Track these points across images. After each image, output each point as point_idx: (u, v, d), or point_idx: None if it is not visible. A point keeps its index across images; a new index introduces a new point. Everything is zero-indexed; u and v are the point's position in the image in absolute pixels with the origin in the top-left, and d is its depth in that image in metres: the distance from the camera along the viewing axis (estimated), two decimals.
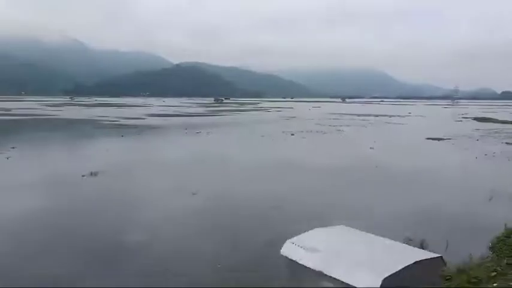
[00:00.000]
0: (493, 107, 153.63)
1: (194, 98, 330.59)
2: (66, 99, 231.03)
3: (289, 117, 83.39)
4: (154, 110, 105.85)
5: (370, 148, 35.34)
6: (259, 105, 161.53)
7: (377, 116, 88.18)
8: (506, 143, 40.40)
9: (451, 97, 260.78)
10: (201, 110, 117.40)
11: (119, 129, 50.80)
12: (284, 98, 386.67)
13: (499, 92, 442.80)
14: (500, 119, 75.68)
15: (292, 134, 45.96)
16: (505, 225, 12.39)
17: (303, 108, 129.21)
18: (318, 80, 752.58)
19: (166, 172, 23.62)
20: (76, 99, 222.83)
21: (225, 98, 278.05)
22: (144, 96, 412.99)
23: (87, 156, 30.11)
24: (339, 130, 53.16)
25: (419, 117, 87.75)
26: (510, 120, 72.90)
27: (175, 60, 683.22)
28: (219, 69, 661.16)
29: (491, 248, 10.72)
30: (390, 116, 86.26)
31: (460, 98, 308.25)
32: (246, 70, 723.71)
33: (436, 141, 42.24)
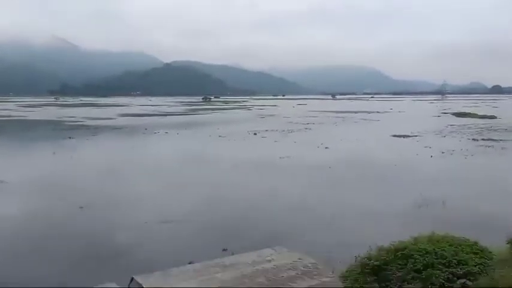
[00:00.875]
0: (480, 101, 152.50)
1: (184, 97, 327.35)
2: (50, 99, 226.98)
3: (267, 115, 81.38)
4: (132, 110, 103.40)
5: (326, 148, 33.43)
6: (245, 104, 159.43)
7: (356, 112, 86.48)
8: (473, 139, 38.71)
9: (442, 92, 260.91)
10: (182, 109, 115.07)
11: (75, 130, 48.68)
12: (275, 95, 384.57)
13: (490, 86, 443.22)
14: (479, 113, 74.14)
15: (255, 134, 43.98)
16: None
17: (287, 106, 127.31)
18: (310, 77, 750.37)
19: (66, 180, 21.56)
20: (61, 100, 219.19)
21: (215, 97, 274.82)
22: (134, 95, 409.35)
23: None
24: (307, 128, 51.26)
25: (399, 113, 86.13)
26: (489, 114, 71.37)
27: (166, 60, 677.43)
28: (211, 68, 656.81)
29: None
30: (369, 113, 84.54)
31: (450, 93, 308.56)
32: (238, 68, 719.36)
33: (401, 138, 40.49)
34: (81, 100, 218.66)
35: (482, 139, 38.45)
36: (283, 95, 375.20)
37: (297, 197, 17.62)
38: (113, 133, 47.05)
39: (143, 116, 78.02)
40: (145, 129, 49.38)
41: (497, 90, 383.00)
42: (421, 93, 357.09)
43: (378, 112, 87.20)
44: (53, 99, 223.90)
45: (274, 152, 30.55)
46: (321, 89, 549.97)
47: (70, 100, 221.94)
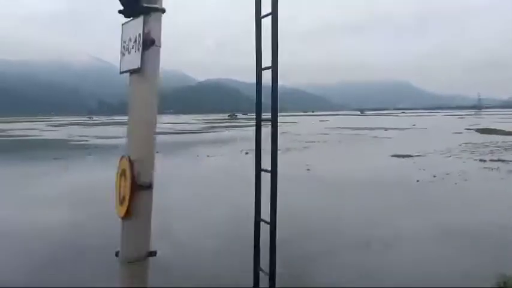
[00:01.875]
0: None
1: (213, 114, 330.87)
2: (84, 118, 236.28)
3: (284, 132, 79.38)
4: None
5: (307, 170, 30.93)
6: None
7: (373, 129, 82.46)
8: (480, 159, 34.76)
9: (477, 106, 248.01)
10: (199, 126, 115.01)
11: (72, 150, 48.82)
12: (305, 112, 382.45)
13: None
14: (507, 129, 68.45)
15: (247, 153, 42.01)
16: None
17: (307, 123, 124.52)
18: (343, 93, 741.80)
19: None
20: (94, 118, 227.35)
21: (243, 114, 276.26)
22: (167, 113, 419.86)
23: None
24: (306, 147, 48.62)
25: (420, 129, 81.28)
26: None
27: (200, 78, 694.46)
28: (243, 85, 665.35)
29: None
30: (386, 129, 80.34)
31: (488, 107, 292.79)
32: (269, 85, 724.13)
33: (400, 158, 37.15)
34: (112, 119, 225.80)
35: (491, 160, 34.43)
36: (313, 111, 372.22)
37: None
38: (108, 153, 46.60)
39: (161, 134, 77.90)
40: None
41: None
42: (457, 107, 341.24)
43: (396, 129, 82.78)
44: (87, 118, 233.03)
45: (247, 172, 28.44)
46: (353, 105, 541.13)
47: (103, 119, 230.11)
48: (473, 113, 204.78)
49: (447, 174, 27.77)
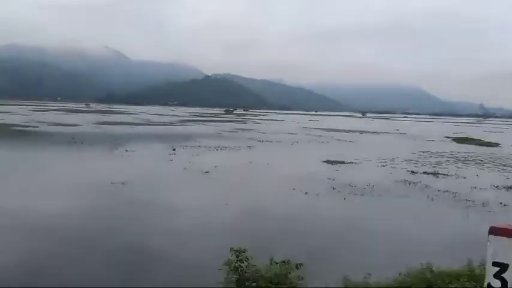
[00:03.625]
0: None
1: (215, 109, 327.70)
2: (82, 105, 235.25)
3: (249, 129, 76.04)
4: (127, 118, 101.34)
5: (215, 167, 27.84)
6: (261, 117, 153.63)
7: (348, 132, 78.48)
8: (412, 171, 30.94)
9: (482, 115, 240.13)
10: (182, 119, 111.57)
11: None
12: (308, 111, 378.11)
13: None
14: (485, 140, 64.05)
15: (174, 149, 38.70)
16: None
17: (293, 122, 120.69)
18: (352, 95, 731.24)
19: None
20: (91, 106, 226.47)
21: (244, 109, 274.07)
22: (171, 105, 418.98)
23: None
24: (252, 146, 45.13)
25: (398, 134, 77.01)
26: (494, 142, 61.16)
27: (208, 72, 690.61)
28: (250, 82, 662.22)
29: None
30: (362, 133, 76.55)
31: (496, 116, 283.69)
32: (278, 83, 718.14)
33: (329, 165, 33.53)
34: (109, 107, 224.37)
35: (425, 172, 30.63)
36: (316, 111, 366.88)
37: None
38: (31, 140, 43.94)
39: (125, 125, 75.33)
40: (73, 138, 45.73)
41: None
42: (466, 115, 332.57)
43: (375, 133, 78.57)
44: (84, 106, 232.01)
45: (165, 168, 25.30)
46: (361, 107, 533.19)
47: (99, 107, 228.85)
48: (475, 121, 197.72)
49: (354, 186, 24.11)
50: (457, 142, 62.53)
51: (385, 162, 35.81)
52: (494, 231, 2.51)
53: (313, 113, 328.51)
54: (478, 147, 55.11)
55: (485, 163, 37.30)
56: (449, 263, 9.99)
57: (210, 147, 42.59)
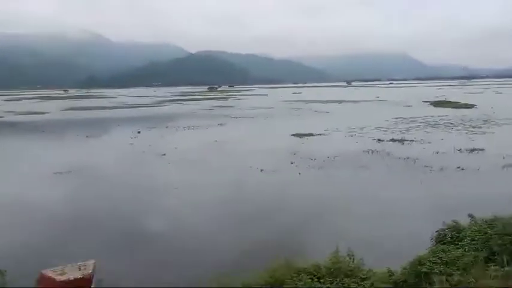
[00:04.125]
0: (502, 86, 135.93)
1: (200, 87, 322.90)
2: (60, 92, 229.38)
3: (227, 106, 74.73)
4: (102, 103, 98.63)
5: (175, 148, 27.18)
6: (244, 93, 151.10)
7: (327, 102, 77.53)
8: (378, 139, 30.21)
9: (474, 76, 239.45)
10: (165, 99, 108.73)
11: None
12: (295, 83, 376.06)
13: None
14: (462, 102, 63.72)
15: (139, 132, 37.39)
16: None
17: (275, 96, 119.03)
18: (338, 65, 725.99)
19: None
20: (69, 92, 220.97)
21: (229, 86, 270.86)
22: (155, 86, 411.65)
23: None
24: (223, 124, 44.05)
25: (377, 102, 76.34)
26: (470, 103, 60.78)
27: (192, 50, 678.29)
28: (236, 57, 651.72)
29: None
30: (340, 102, 75.81)
31: (475, 77, 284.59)
32: (265, 57, 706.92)
33: (297, 138, 32.77)
34: (87, 92, 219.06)
35: (392, 139, 29.98)
36: (305, 83, 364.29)
37: None
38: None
39: (97, 109, 73.30)
40: (35, 127, 44.16)
41: None
42: (451, 78, 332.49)
43: (353, 101, 77.73)
44: (63, 92, 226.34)
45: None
46: (349, 76, 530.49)
47: (78, 93, 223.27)
48: (458, 83, 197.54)
49: (314, 159, 23.39)
50: (434, 106, 62.12)
51: (354, 131, 35.08)
52: None
53: (301, 85, 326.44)
54: (453, 109, 54.68)
55: (454, 126, 36.82)
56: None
57: (178, 127, 41.46)
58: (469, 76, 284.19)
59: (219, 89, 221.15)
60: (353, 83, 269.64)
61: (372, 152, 25.58)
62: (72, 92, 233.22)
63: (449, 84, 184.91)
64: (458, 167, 20.43)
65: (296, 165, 22.20)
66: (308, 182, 19.18)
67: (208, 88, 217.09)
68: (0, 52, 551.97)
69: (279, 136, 33.82)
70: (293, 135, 34.02)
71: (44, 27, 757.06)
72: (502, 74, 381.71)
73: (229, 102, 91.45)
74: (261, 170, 21.21)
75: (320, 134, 34.11)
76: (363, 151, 25.92)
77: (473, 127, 35.65)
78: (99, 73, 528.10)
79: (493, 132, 32.74)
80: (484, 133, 32.31)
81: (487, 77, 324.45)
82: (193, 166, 23.34)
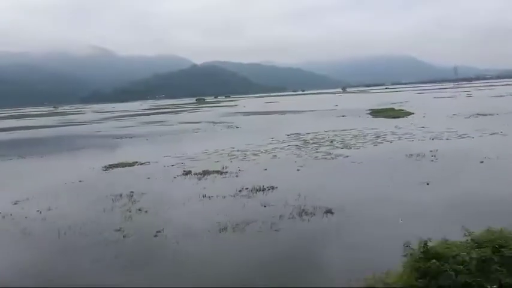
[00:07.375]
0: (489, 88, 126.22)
1: (187, 98, 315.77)
2: (50, 108, 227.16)
3: (162, 121, 68.82)
4: (45, 122, 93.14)
5: None
6: (226, 104, 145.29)
7: (279, 113, 71.08)
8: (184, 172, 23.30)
9: (467, 79, 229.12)
10: (119, 115, 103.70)
11: None
12: (295, 91, 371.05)
13: None
14: (407, 109, 56.47)
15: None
16: None
17: (239, 106, 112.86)
18: (340, 70, 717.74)
19: None
20: (60, 109, 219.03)
21: (226, 96, 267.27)
22: (158, 98, 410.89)
23: None
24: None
25: (321, 111, 69.29)
26: (412, 111, 53.38)
27: (196, 61, 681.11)
28: (239, 66, 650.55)
29: None
30: (282, 114, 69.11)
31: (485, 78, 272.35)
32: (268, 65, 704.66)
33: (107, 169, 25.94)
34: (77, 108, 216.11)
35: (196, 173, 23.17)
36: (303, 90, 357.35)
37: None
38: None
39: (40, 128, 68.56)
40: None
41: None
42: (455, 80, 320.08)
43: (294, 112, 70.74)
44: (52, 108, 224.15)
45: None
46: (351, 81, 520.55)
47: (68, 108, 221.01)
48: (451, 86, 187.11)
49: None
50: (373, 115, 54.95)
51: (187, 159, 27.62)
52: None
53: (299, 92, 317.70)
54: (385, 119, 47.84)
55: (333, 144, 29.60)
56: None
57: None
58: (474, 78, 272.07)
59: (207, 99, 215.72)
60: (348, 89, 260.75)
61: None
62: (67, 107, 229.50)
63: (442, 87, 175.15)
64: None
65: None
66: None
67: (196, 100, 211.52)
68: (6, 69, 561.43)
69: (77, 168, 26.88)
70: (108, 165, 26.87)
71: (49, 45, 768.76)
72: (503, 75, 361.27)
73: (177, 116, 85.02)
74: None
75: (143, 163, 27.06)
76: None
77: (346, 146, 28.49)
78: (104, 88, 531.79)
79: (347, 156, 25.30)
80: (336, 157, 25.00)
81: (490, 78, 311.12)
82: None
